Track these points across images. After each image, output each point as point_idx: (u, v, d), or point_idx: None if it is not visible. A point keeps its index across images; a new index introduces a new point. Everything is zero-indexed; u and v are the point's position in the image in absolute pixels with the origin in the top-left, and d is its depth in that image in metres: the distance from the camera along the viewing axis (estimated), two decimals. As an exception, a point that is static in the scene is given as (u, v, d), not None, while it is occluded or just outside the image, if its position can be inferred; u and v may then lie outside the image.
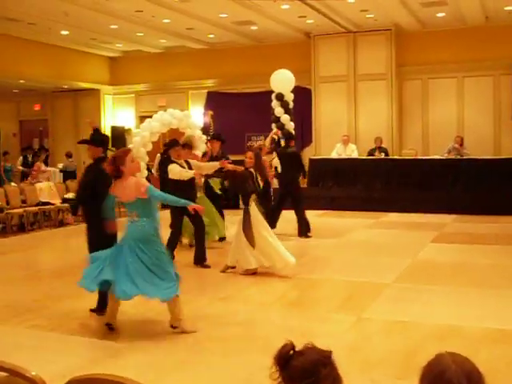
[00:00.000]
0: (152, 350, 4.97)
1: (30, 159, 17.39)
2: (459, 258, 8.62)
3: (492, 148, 15.87)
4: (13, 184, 13.96)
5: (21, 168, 17.14)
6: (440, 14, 15.22)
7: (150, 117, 13.89)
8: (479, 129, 15.97)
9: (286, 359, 1.76)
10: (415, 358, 4.49)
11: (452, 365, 1.69)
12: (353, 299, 6.54)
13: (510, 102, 15.66)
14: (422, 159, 14.99)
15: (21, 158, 17.70)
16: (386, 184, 14.47)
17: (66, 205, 13.24)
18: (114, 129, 19.41)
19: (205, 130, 15.79)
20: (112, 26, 15.52)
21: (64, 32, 16.07)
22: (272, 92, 15.18)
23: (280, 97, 15.00)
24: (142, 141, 13.10)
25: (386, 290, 6.86)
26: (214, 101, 18.27)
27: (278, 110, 15.01)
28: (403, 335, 5.28)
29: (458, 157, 14.66)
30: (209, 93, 18.66)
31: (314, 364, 1.75)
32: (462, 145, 14.90)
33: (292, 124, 15.21)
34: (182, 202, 5.84)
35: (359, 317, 5.85)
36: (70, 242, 11.80)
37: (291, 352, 1.78)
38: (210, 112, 16.09)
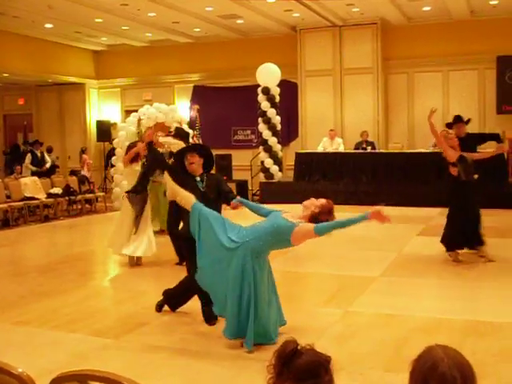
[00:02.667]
0: (139, 345, 4.95)
1: (39, 155, 15.08)
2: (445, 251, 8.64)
3: (477, 141, 15.94)
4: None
5: (31, 167, 14.78)
6: (426, 8, 15.26)
7: (136, 111, 13.83)
8: (464, 122, 16.02)
9: (289, 356, 1.75)
10: (402, 351, 4.51)
11: (444, 358, 1.69)
12: (340, 293, 6.55)
13: (494, 95, 15.76)
14: (408, 152, 15.06)
15: (29, 155, 15.15)
16: (372, 177, 14.52)
17: (52, 200, 13.16)
18: (99, 123, 19.30)
19: (191, 124, 15.76)
20: (97, 20, 15.40)
21: (48, 25, 15.93)
22: (258, 86, 15.18)
23: (266, 91, 15.02)
24: (127, 135, 13.04)
25: (372, 284, 6.88)
26: (200, 95, 18.21)
27: (264, 104, 15.03)
28: (390, 328, 5.30)
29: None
30: (195, 87, 18.59)
31: (318, 366, 1.74)
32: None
33: (278, 118, 15.23)
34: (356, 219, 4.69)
35: (346, 310, 5.86)
36: (55, 237, 11.73)
37: (294, 350, 1.77)
38: (196, 106, 16.02)
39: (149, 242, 8.01)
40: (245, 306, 4.62)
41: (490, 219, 11.44)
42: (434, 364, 1.69)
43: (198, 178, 5.62)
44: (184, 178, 5.51)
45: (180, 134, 9.11)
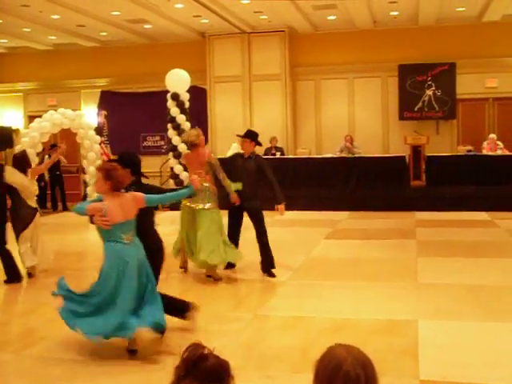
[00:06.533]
0: (40, 360, 4.76)
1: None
2: (352, 254, 8.89)
3: (381, 146, 16.55)
4: None
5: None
6: (331, 17, 15.67)
7: (40, 116, 13.36)
8: (369, 128, 16.61)
9: (196, 360, 1.75)
10: (310, 352, 4.57)
11: (347, 357, 1.72)
12: (249, 297, 6.59)
13: (397, 102, 16.38)
14: (315, 158, 15.39)
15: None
16: (280, 183, 14.64)
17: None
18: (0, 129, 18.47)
19: (99, 131, 15.40)
20: (-4, 21, 14.78)
21: None
22: (167, 92, 15.04)
23: (175, 96, 14.90)
24: (31, 142, 12.56)
25: (281, 287, 6.96)
26: (108, 100, 17.84)
27: (174, 110, 14.90)
28: (298, 330, 5.37)
29: (350, 155, 15.16)
30: (102, 92, 18.19)
31: (223, 370, 1.76)
32: (352, 143, 15.42)
33: (188, 124, 15.15)
34: (183, 191, 5.27)
35: (255, 314, 5.89)
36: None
37: (201, 353, 1.78)
38: (104, 112, 15.71)
39: (41, 253, 7.78)
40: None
41: (393, 221, 11.93)
42: (338, 364, 1.71)
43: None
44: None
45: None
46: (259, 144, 7.75)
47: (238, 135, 7.76)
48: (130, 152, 5.61)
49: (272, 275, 7.34)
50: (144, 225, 4.96)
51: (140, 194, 4.83)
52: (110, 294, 4.64)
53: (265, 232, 7.42)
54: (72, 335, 4.88)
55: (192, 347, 1.80)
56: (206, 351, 1.79)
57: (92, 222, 4.79)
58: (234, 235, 7.51)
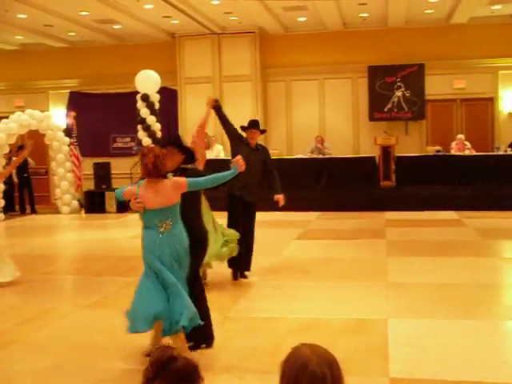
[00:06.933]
0: (8, 364, 4.67)
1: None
2: (323, 254, 8.93)
3: (351, 147, 16.65)
4: None
5: None
6: (301, 19, 15.72)
7: (7, 118, 13.18)
8: (339, 129, 16.71)
9: (166, 362, 1.76)
10: (280, 352, 4.54)
11: (313, 356, 1.73)
12: (219, 299, 6.55)
13: (367, 103, 16.51)
14: (286, 159, 15.42)
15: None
16: (252, 184, 14.69)
17: None
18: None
19: (67, 132, 15.23)
20: (-41, 20, 14.50)
21: None
22: (137, 93, 14.94)
23: (145, 97, 14.81)
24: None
25: (252, 289, 6.95)
26: (77, 101, 17.63)
27: (144, 111, 14.81)
28: (269, 331, 5.36)
29: (321, 156, 15.23)
30: (71, 93, 17.98)
31: (193, 371, 1.77)
32: (322, 144, 15.49)
33: (158, 125, 15.07)
34: (228, 172, 4.77)
35: (225, 316, 5.86)
36: None
37: (170, 355, 1.78)
38: (73, 113, 15.53)
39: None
40: None
41: (363, 222, 12.01)
42: (304, 363, 1.72)
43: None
44: None
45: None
46: (264, 132, 7.70)
47: (242, 127, 7.43)
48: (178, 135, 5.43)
49: (244, 276, 7.31)
50: (186, 213, 4.68)
51: (182, 179, 4.57)
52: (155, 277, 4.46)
53: (253, 232, 7.34)
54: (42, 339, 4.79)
55: (161, 349, 1.80)
56: (174, 353, 1.78)
57: (130, 208, 4.65)
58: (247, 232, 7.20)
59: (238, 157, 4.78)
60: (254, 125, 7.35)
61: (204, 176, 4.77)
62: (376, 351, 4.71)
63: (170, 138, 4.98)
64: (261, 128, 7.47)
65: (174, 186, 4.51)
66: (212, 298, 6.52)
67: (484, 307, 5.94)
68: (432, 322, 5.48)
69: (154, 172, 4.47)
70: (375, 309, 5.95)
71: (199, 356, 4.34)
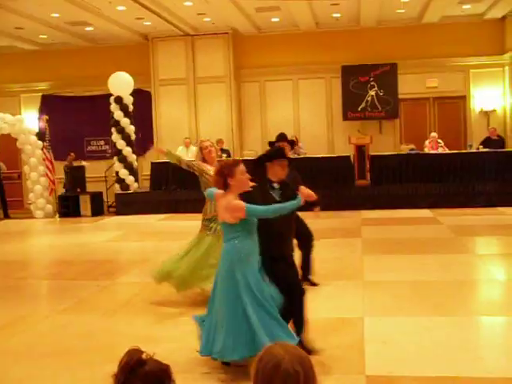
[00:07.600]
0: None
1: None
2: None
3: (326, 146, 16.73)
4: None
5: None
6: (274, 19, 15.76)
7: (-22, 122, 12.98)
8: (314, 128, 16.78)
9: (134, 365, 1.74)
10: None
11: (285, 355, 1.74)
12: (198, 301, 6.52)
13: (340, 103, 16.59)
14: (262, 159, 15.39)
15: None
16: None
17: None
18: None
19: (40, 136, 15.06)
20: None
21: None
22: (110, 95, 14.84)
23: (119, 100, 14.72)
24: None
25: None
26: (50, 105, 17.48)
27: (118, 114, 14.72)
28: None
29: (295, 156, 15.25)
30: (43, 96, 17.79)
31: (162, 373, 1.76)
32: (297, 144, 15.52)
33: (132, 127, 14.99)
34: (292, 203, 4.42)
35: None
36: None
37: (139, 358, 1.77)
38: (46, 116, 15.38)
39: None
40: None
41: (339, 221, 12.06)
42: (277, 363, 1.73)
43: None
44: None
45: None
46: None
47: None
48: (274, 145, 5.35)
49: None
50: (264, 228, 4.42)
51: (239, 203, 4.26)
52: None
53: None
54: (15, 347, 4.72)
55: (129, 353, 1.78)
56: (144, 356, 1.77)
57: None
58: None
59: (303, 187, 4.53)
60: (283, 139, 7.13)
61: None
62: (352, 349, 4.73)
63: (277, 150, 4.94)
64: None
65: (227, 207, 4.32)
66: (190, 302, 6.51)
67: (459, 303, 6.02)
68: (408, 320, 5.53)
69: (221, 186, 4.44)
70: (351, 307, 5.99)
71: (178, 358, 4.32)
